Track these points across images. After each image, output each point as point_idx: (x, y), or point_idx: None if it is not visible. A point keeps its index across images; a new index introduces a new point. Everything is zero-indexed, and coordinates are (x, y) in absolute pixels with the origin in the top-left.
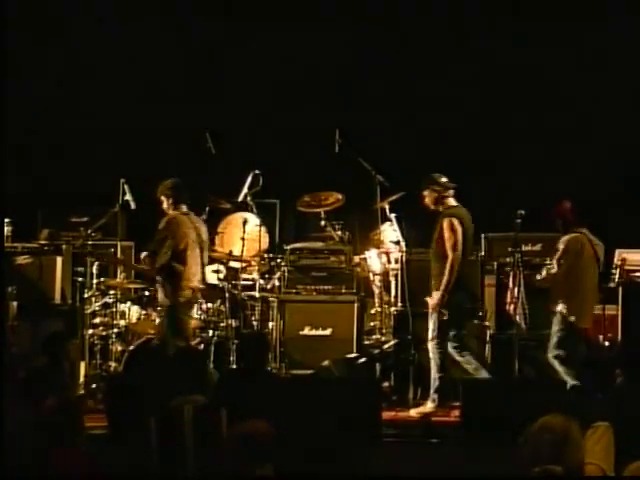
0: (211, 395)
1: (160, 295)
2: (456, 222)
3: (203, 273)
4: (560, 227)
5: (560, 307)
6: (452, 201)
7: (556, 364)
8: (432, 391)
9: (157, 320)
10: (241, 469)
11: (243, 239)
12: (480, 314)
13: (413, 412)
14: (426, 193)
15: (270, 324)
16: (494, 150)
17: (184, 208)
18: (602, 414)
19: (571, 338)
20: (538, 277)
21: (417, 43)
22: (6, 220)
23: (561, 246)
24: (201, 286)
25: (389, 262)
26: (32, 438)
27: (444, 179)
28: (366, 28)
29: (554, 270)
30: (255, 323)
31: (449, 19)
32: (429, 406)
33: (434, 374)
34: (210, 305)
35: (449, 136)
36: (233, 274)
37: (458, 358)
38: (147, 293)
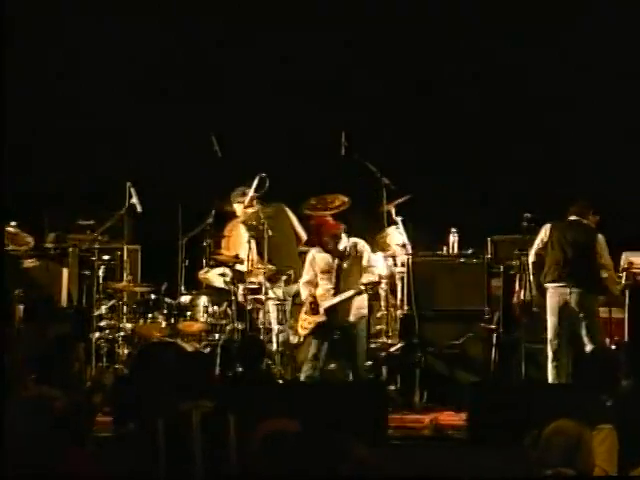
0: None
1: None
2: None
3: None
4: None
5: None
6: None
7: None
8: None
9: (164, 323)
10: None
11: (249, 242)
12: (486, 317)
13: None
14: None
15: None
16: (499, 151)
17: None
18: (607, 417)
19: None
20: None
21: (417, 43)
22: (12, 223)
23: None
24: None
25: (395, 265)
26: (39, 438)
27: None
28: (366, 28)
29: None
30: (261, 326)
31: (449, 19)
32: None
33: None
34: (216, 308)
35: (451, 137)
36: (239, 277)
37: None
38: (153, 296)
